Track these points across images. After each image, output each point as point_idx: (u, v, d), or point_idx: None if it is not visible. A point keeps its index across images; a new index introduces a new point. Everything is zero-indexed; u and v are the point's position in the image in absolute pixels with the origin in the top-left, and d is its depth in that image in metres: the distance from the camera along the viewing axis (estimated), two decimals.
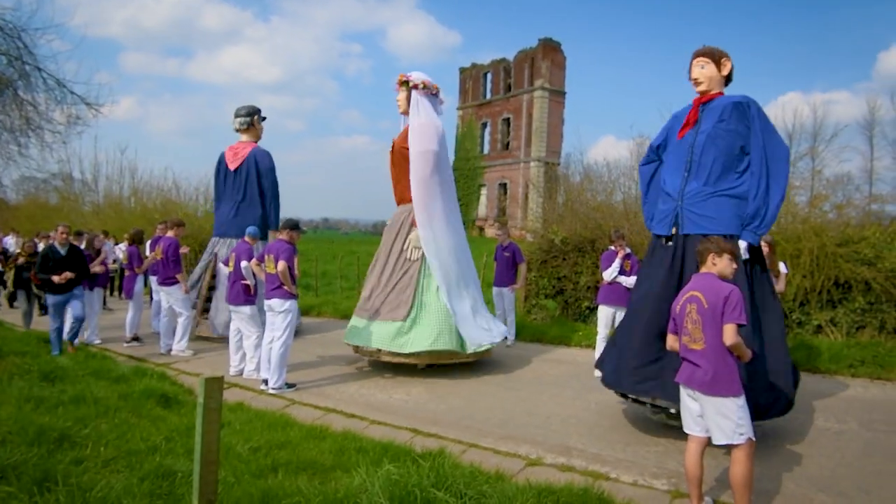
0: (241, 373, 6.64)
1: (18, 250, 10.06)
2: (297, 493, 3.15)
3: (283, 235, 6.15)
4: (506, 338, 7.19)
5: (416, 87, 6.85)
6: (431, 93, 6.96)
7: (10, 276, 9.88)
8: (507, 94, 44.31)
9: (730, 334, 3.07)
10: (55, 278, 6.97)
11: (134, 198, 20.77)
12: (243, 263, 6.46)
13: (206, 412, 2.71)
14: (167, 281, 7.77)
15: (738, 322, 3.07)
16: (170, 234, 8.09)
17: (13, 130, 10.10)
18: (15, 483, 3.14)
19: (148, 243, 10.13)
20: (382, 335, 6.52)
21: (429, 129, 6.70)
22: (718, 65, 4.68)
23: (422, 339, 6.35)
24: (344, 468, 3.69)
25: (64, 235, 7.23)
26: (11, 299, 9.86)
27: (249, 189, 9.05)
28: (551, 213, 12.18)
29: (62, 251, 7.17)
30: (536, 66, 42.15)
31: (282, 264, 5.85)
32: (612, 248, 6.56)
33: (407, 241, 6.89)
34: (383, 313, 6.64)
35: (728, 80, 4.80)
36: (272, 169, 9.21)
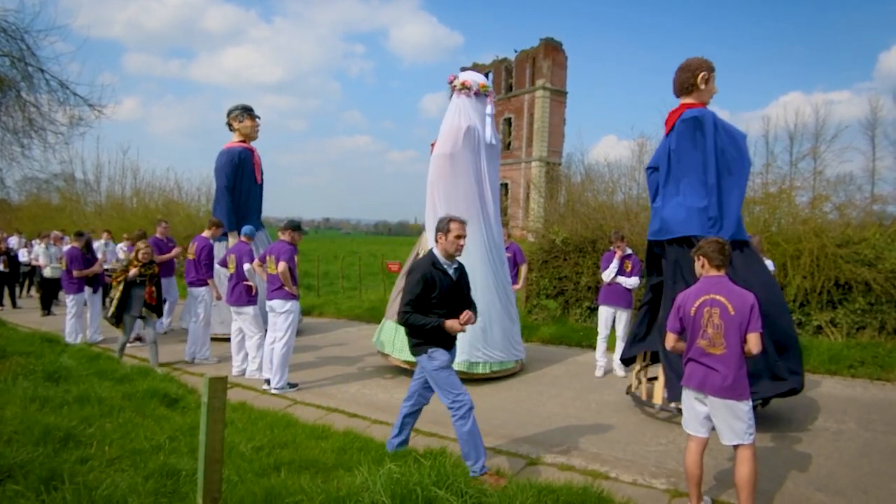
0: (243, 373, 6.68)
1: (131, 256, 7.09)
2: (299, 492, 3.18)
3: (285, 236, 6.19)
4: (520, 360, 6.73)
5: (456, 90, 6.78)
6: (472, 93, 6.72)
7: (116, 293, 6.80)
8: (508, 94, 44.33)
9: (756, 343, 3.13)
10: (455, 325, 3.72)
11: (136, 198, 20.88)
12: (246, 266, 6.49)
13: (210, 411, 2.75)
14: (197, 283, 7.46)
15: (760, 330, 3.17)
16: (205, 234, 7.76)
17: (16, 131, 10.14)
18: (22, 482, 3.18)
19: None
20: (385, 337, 6.70)
21: (447, 133, 6.60)
22: None
23: (405, 348, 6.34)
24: (346, 467, 3.73)
25: (460, 242, 3.90)
26: (117, 320, 6.84)
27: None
28: (552, 214, 12.21)
29: (452, 272, 3.91)
30: (538, 65, 42.17)
31: (282, 265, 5.89)
32: (612, 249, 6.59)
33: (420, 244, 6.92)
34: (388, 313, 6.79)
35: None
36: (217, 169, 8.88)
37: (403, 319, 3.81)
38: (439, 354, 3.82)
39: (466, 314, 3.75)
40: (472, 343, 6.19)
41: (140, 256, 6.86)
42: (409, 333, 3.91)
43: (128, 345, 8.17)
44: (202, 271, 7.46)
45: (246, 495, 3.15)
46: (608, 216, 10.00)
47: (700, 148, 4.82)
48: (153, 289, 6.94)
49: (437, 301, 3.76)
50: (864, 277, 7.27)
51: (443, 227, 3.89)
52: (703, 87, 4.89)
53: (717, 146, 4.78)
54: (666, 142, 5.10)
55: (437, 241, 3.91)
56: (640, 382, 5.48)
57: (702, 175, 4.81)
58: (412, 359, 6.30)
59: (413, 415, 4.16)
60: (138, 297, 6.84)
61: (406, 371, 6.68)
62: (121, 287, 6.77)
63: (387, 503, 2.97)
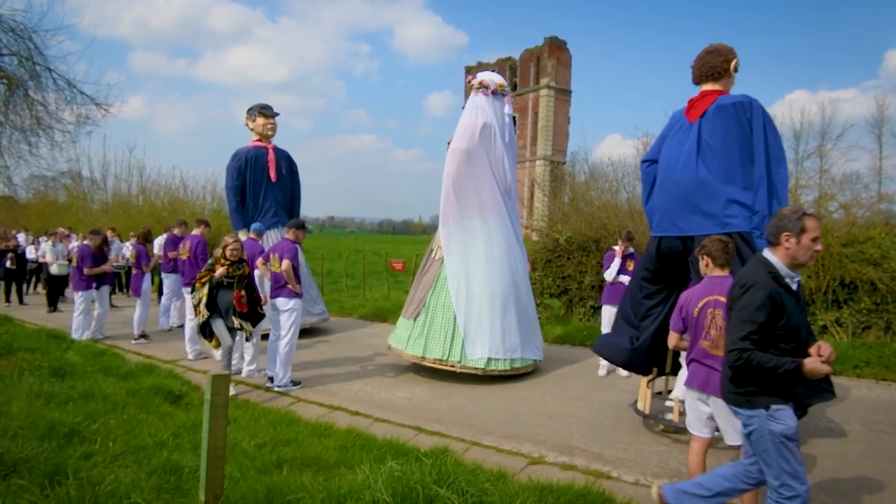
0: (239, 371, 6.66)
1: (217, 254, 5.82)
2: (301, 489, 3.19)
3: (289, 234, 6.21)
4: (537, 360, 6.63)
5: (474, 88, 6.81)
6: (490, 91, 6.74)
7: (201, 296, 5.68)
8: (513, 93, 44.29)
9: None
10: (817, 366, 2.43)
11: (142, 196, 20.95)
12: (256, 272, 6.49)
13: (213, 408, 2.77)
14: (194, 282, 7.27)
15: None
16: (195, 231, 7.77)
17: (24, 130, 10.18)
18: (27, 476, 3.21)
19: (156, 242, 10.20)
20: (400, 333, 6.69)
21: (463, 128, 6.62)
22: None
23: (419, 344, 6.35)
24: (348, 465, 3.74)
25: (817, 248, 2.60)
26: (204, 329, 5.77)
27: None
28: (556, 213, 12.18)
29: (796, 288, 2.71)
30: (542, 64, 42.11)
31: (286, 263, 5.90)
32: (616, 247, 6.58)
33: (435, 240, 6.89)
34: (405, 312, 6.80)
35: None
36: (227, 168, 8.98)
37: (741, 358, 2.50)
38: (786, 415, 2.53)
39: (827, 348, 2.50)
40: (494, 339, 6.19)
41: (228, 254, 5.68)
42: (741, 380, 2.60)
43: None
44: (198, 268, 7.41)
45: (248, 492, 3.17)
46: (612, 215, 9.97)
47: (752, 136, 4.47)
48: (243, 293, 5.76)
49: (783, 333, 2.53)
50: (869, 277, 7.23)
51: (793, 225, 2.55)
52: (733, 73, 4.65)
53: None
54: (696, 128, 4.58)
55: (778, 245, 2.60)
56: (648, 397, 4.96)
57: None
58: (424, 354, 6.30)
59: None
60: (225, 303, 5.71)
61: (415, 368, 6.69)
62: (205, 290, 5.67)
63: (388, 501, 2.98)
